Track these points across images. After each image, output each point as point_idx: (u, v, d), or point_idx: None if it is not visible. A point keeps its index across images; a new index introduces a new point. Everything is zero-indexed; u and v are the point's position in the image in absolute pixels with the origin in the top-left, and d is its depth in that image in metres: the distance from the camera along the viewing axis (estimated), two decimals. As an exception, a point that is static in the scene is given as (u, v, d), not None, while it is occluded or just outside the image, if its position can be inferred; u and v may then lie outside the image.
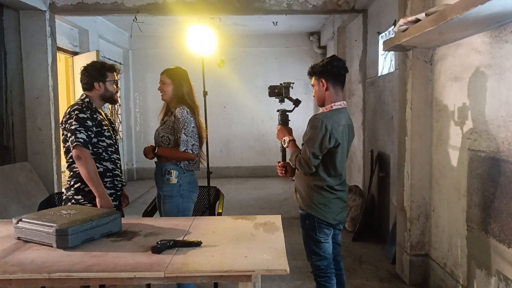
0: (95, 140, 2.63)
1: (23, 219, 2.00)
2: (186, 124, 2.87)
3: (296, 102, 2.65)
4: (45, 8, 5.12)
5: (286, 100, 2.69)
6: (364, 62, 5.62)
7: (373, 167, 5.02)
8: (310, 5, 5.33)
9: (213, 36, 3.93)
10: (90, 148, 2.58)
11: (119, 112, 8.61)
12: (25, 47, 5.11)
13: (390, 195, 4.52)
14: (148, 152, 2.96)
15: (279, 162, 2.68)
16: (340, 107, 2.43)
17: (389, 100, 4.59)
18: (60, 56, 6.37)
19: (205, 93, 4.11)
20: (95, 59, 5.84)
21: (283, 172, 2.63)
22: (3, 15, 5.09)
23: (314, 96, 2.53)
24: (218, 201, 3.50)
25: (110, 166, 2.72)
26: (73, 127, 2.53)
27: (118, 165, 2.82)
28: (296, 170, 2.51)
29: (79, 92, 6.50)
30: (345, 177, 2.54)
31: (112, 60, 8.03)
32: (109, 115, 2.95)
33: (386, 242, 4.44)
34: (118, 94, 2.86)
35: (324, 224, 2.45)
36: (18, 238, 2.02)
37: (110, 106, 7.82)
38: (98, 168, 2.63)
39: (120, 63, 8.56)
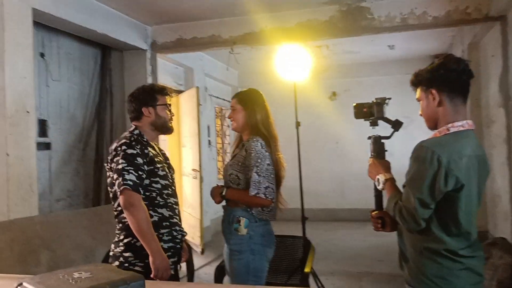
0: (147, 181, 2.16)
1: (23, 284, 1.59)
2: (259, 160, 2.29)
3: (396, 125, 1.89)
4: (146, 47, 5.16)
5: (381, 122, 1.97)
6: (505, 80, 4.46)
7: (525, 215, 3.80)
8: (430, 17, 4.47)
9: (306, 56, 3.36)
10: (142, 192, 2.12)
11: (227, 151, 8.45)
12: (128, 86, 5.16)
13: (555, 256, 3.28)
14: (215, 194, 2.43)
15: (373, 211, 1.92)
16: (462, 129, 1.61)
17: (545, 125, 3.43)
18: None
19: (297, 124, 3.54)
20: (195, 96, 5.72)
21: (379, 225, 1.86)
22: (111, 57, 5.26)
23: (421, 115, 1.75)
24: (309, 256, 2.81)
25: (166, 213, 2.22)
26: (120, 167, 2.09)
27: (177, 211, 2.31)
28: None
29: (185, 130, 6.47)
30: (476, 236, 1.65)
31: (220, 98, 7.98)
32: (163, 150, 2.52)
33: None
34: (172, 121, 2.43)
35: (446, 310, 1.59)
36: (21, 306, 1.61)
37: (219, 148, 7.65)
38: (152, 217, 2.15)
39: (229, 101, 8.48)
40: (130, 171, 2.08)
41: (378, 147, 1.92)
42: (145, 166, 2.15)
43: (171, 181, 2.31)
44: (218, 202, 2.44)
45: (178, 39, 5.12)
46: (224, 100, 8.17)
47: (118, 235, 2.20)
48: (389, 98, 1.98)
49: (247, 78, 8.48)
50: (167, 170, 2.30)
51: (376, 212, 1.89)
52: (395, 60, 7.85)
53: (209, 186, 6.75)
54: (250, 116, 2.42)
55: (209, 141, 7.05)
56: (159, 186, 2.21)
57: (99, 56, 5.18)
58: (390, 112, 2.09)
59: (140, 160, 2.14)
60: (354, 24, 4.65)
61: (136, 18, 4.92)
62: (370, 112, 1.97)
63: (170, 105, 2.38)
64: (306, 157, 8.27)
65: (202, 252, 5.50)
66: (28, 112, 3.37)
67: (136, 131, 2.27)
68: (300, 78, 3.43)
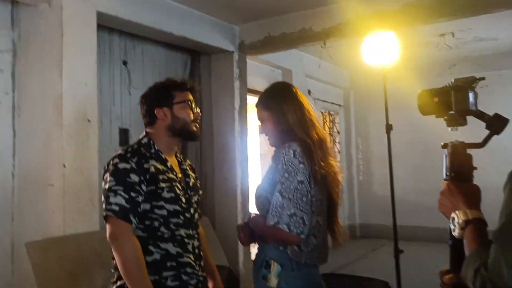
0: (146, 206, 1.67)
1: None
2: (286, 175, 1.63)
3: (495, 123, 1.09)
4: (233, 48, 4.77)
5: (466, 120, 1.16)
6: None
7: None
8: None
9: (392, 41, 2.57)
10: (135, 221, 1.64)
11: (337, 160, 7.66)
12: (215, 92, 4.85)
13: None
14: (241, 228, 1.82)
15: (446, 272, 1.13)
16: None
17: None
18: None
19: (388, 128, 2.74)
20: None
21: None
22: (200, 62, 5.02)
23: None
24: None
25: (173, 249, 1.71)
26: (107, 186, 1.66)
27: (190, 247, 1.76)
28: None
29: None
30: None
31: (328, 102, 7.25)
32: (189, 161, 2.00)
33: None
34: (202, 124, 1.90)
35: None
36: None
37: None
38: (151, 254, 1.67)
39: (339, 105, 7.70)
40: (119, 191, 1.62)
41: (460, 162, 1.12)
42: (143, 186, 1.66)
43: (185, 206, 1.77)
44: (245, 242, 1.81)
45: (266, 37, 4.62)
46: (333, 103, 7.43)
47: (112, 274, 1.74)
48: (481, 79, 1.16)
49: (360, 78, 7.61)
50: (180, 192, 1.76)
51: (450, 275, 1.10)
52: (549, 46, 6.19)
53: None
54: (279, 120, 1.76)
55: (312, 149, 6.38)
56: (163, 212, 1.70)
57: (188, 62, 4.96)
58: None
59: (134, 177, 1.65)
60: (480, -2, 3.58)
61: (220, 17, 4.56)
62: (446, 103, 1.17)
63: (191, 101, 1.84)
64: (428, 165, 7.07)
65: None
66: (89, 120, 3.18)
67: (145, 140, 1.81)
68: (388, 65, 2.63)
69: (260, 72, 5.60)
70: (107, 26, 3.86)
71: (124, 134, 4.20)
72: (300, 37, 4.44)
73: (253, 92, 5.38)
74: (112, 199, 1.62)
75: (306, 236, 1.63)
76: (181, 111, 1.81)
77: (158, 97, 1.82)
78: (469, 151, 1.17)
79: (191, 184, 1.86)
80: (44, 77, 3.13)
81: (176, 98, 1.81)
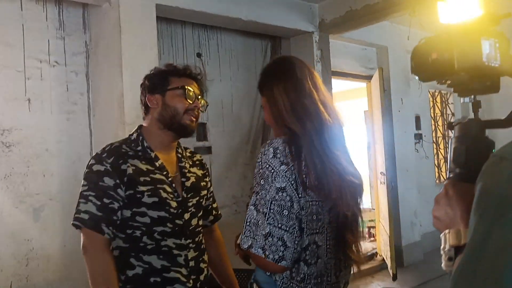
0: (127, 213, 1.46)
1: None
2: (262, 182, 1.24)
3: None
4: (312, 29, 4.39)
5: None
6: None
7: None
8: None
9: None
10: (109, 231, 1.43)
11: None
12: (295, 78, 4.53)
13: None
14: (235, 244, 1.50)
15: None
16: None
17: None
18: (352, 84, 5.48)
19: (476, 105, 2.11)
20: (377, 80, 4.58)
21: None
22: (281, 47, 4.74)
23: None
24: None
25: (158, 263, 1.46)
26: (80, 190, 1.48)
27: (182, 259, 1.49)
28: None
29: (375, 124, 5.35)
30: None
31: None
32: (198, 156, 1.76)
33: None
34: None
35: None
36: None
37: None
38: (132, 268, 1.46)
39: (453, 82, 6.70)
40: (90, 198, 1.43)
41: (469, 151, 0.72)
42: (120, 190, 1.45)
43: (175, 212, 1.51)
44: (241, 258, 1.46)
45: (348, 11, 4.13)
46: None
47: None
48: (508, 15, 0.70)
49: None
50: (168, 195, 1.50)
51: None
52: None
53: (410, 194, 5.36)
54: (272, 106, 1.36)
55: (416, 135, 5.65)
56: (146, 220, 1.46)
57: (268, 48, 4.73)
58: None
59: (108, 181, 1.45)
60: None
61: (296, -4, 4.22)
62: (448, 60, 0.73)
63: (190, 90, 1.56)
64: None
65: (394, 277, 4.33)
66: (152, 116, 3.14)
67: (134, 135, 1.59)
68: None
69: (350, 52, 5.10)
70: (179, 19, 3.82)
71: (202, 128, 4.15)
72: (386, 7, 3.87)
73: (343, 75, 4.93)
74: (82, 206, 1.43)
75: (294, 262, 1.22)
76: (174, 99, 1.54)
77: (152, 82, 1.59)
78: (488, 133, 0.73)
79: (188, 184, 1.58)
80: (110, 76, 3.18)
81: (171, 84, 1.56)
